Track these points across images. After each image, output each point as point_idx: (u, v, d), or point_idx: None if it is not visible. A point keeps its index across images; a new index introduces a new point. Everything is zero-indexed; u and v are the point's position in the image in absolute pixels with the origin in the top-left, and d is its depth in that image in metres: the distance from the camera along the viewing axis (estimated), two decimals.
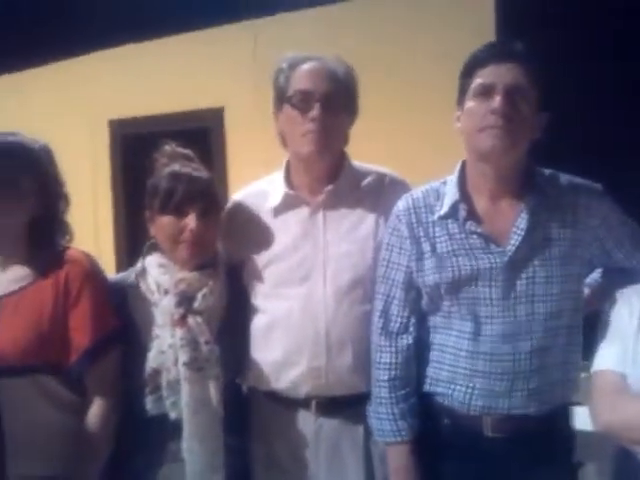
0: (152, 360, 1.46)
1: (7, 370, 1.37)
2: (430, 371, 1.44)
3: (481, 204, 1.39)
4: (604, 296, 1.45)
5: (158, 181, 1.50)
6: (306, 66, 1.52)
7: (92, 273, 1.46)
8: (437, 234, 1.40)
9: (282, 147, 1.60)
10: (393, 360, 1.44)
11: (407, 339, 1.45)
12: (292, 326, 1.51)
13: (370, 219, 1.55)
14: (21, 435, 1.38)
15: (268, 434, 1.56)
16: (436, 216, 1.41)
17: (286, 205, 1.56)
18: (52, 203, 1.48)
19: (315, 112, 1.47)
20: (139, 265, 1.55)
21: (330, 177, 1.56)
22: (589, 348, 1.39)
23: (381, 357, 1.45)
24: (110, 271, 1.58)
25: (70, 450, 1.41)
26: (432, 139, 2.57)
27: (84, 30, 3.77)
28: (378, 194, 1.57)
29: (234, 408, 1.51)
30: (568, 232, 1.36)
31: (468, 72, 1.35)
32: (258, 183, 1.66)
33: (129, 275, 1.56)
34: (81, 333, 1.42)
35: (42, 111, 3.92)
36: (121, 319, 1.48)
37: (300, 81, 1.51)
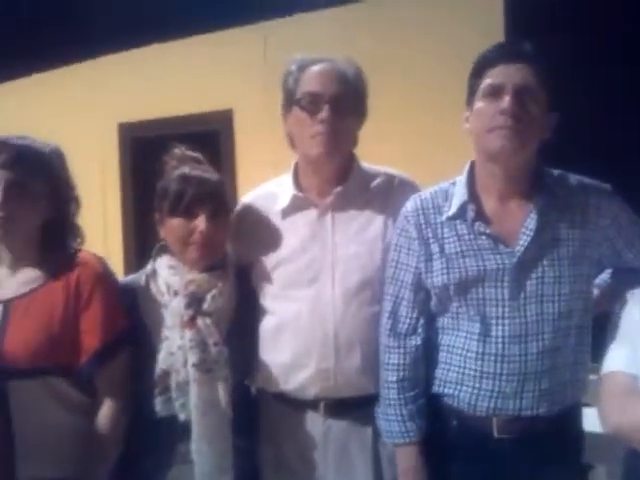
0: (161, 361, 1.46)
1: (18, 372, 1.37)
2: (438, 372, 1.44)
3: (490, 205, 1.39)
4: (614, 297, 1.44)
5: (168, 184, 1.51)
6: (315, 68, 1.52)
7: (103, 275, 1.47)
8: (445, 235, 1.40)
9: (291, 149, 1.60)
10: (402, 361, 1.44)
11: (416, 340, 1.44)
12: (301, 328, 1.51)
13: (379, 220, 1.55)
14: (31, 437, 1.39)
15: (277, 435, 1.56)
16: (444, 217, 1.41)
17: (294, 207, 1.57)
18: (63, 206, 1.49)
19: (324, 114, 1.47)
20: (149, 267, 1.56)
21: (339, 179, 1.56)
22: (598, 350, 1.38)
23: (390, 358, 1.45)
24: (118, 273, 1.59)
25: (80, 452, 1.42)
26: (443, 140, 2.56)
27: (94, 34, 3.79)
28: (387, 195, 1.57)
29: (243, 409, 1.51)
30: (577, 232, 1.36)
31: (477, 72, 1.35)
32: (267, 185, 1.67)
33: (139, 277, 1.57)
34: (92, 335, 1.42)
35: (52, 114, 3.95)
36: (131, 321, 1.49)
37: (309, 83, 1.51)
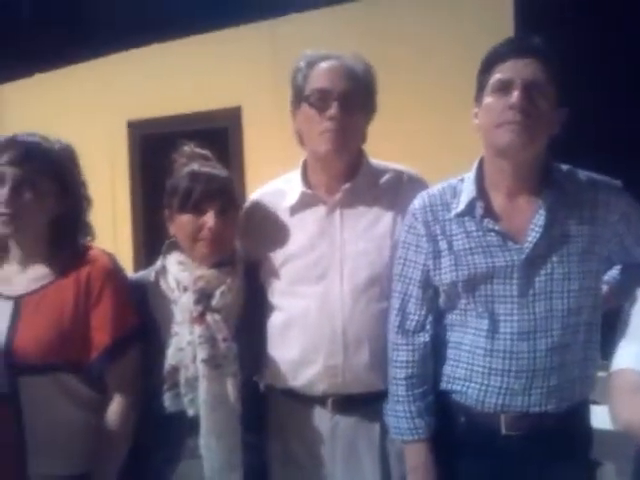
0: (171, 357, 1.47)
1: (28, 368, 1.38)
2: (447, 369, 1.44)
3: (498, 201, 1.39)
4: (623, 293, 1.43)
5: (177, 181, 1.52)
6: (324, 64, 1.52)
7: (114, 272, 1.48)
8: (454, 232, 1.40)
9: (299, 146, 1.60)
10: (410, 358, 1.44)
11: (424, 337, 1.44)
12: (309, 324, 1.52)
13: (387, 217, 1.55)
14: (42, 433, 1.40)
15: (285, 431, 1.57)
16: (453, 214, 1.40)
17: (303, 204, 1.57)
18: (73, 203, 1.49)
19: (333, 111, 1.47)
20: (159, 263, 1.57)
21: (347, 175, 1.56)
22: (608, 346, 1.38)
23: (398, 355, 1.45)
24: (128, 270, 1.60)
25: (90, 448, 1.43)
26: (451, 139, 2.55)
27: (102, 32, 3.81)
28: (396, 192, 1.57)
29: (251, 405, 1.51)
30: (586, 228, 1.35)
31: (486, 68, 1.35)
32: (275, 182, 1.67)
33: (149, 273, 1.58)
34: (102, 331, 1.43)
35: (62, 112, 3.97)
36: (141, 317, 1.50)
37: (318, 80, 1.51)
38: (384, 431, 1.51)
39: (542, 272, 1.34)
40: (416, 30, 2.87)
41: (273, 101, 2.97)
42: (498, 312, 1.36)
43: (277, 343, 1.56)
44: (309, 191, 1.57)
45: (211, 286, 1.50)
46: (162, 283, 1.54)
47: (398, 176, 1.60)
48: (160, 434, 1.49)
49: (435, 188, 1.47)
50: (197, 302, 1.48)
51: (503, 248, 1.36)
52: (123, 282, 1.50)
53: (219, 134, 3.36)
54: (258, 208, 1.63)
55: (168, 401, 1.47)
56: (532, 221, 1.35)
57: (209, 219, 1.47)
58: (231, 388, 1.46)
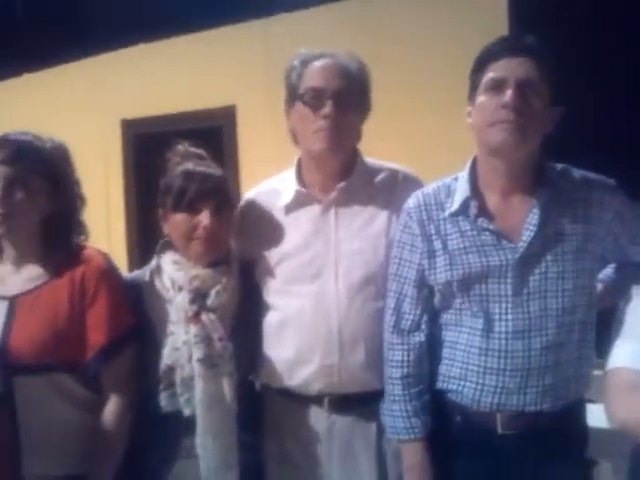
0: (166, 357, 1.47)
1: (23, 369, 1.38)
2: (442, 368, 1.44)
3: (492, 200, 1.39)
4: (617, 292, 1.44)
5: (171, 180, 1.51)
6: (318, 63, 1.51)
7: (108, 272, 1.47)
8: (448, 231, 1.40)
9: (294, 145, 1.60)
10: (405, 358, 1.44)
11: (419, 336, 1.44)
12: (304, 324, 1.52)
13: (382, 216, 1.55)
14: (37, 433, 1.39)
15: (281, 431, 1.57)
16: (447, 213, 1.41)
17: (298, 203, 1.57)
18: (66, 202, 1.48)
19: (327, 109, 1.47)
20: (154, 263, 1.57)
21: (342, 174, 1.55)
22: (602, 345, 1.38)
23: (393, 355, 1.45)
24: (122, 269, 1.59)
25: (86, 448, 1.43)
26: (446, 138, 2.56)
27: (96, 31, 3.80)
28: (391, 191, 1.57)
29: (247, 405, 1.51)
30: (580, 227, 1.36)
31: (479, 67, 1.35)
32: (270, 181, 1.67)
33: (144, 273, 1.57)
34: (97, 331, 1.43)
35: (55, 111, 3.95)
36: (136, 317, 1.49)
37: (312, 78, 1.51)
38: (380, 430, 1.51)
39: (536, 271, 1.35)
40: (410, 29, 2.87)
41: (267, 100, 2.96)
42: (493, 311, 1.36)
43: (272, 342, 1.56)
44: (304, 190, 1.57)
45: (206, 285, 1.50)
46: (157, 282, 1.54)
47: (393, 175, 1.60)
48: (156, 434, 1.49)
49: (429, 187, 1.47)
50: (192, 301, 1.48)
51: (497, 247, 1.36)
52: (118, 281, 1.50)
53: (213, 133, 3.36)
54: (253, 207, 1.62)
55: (164, 401, 1.47)
56: (526, 220, 1.35)
57: (204, 218, 1.47)
58: (227, 388, 1.45)
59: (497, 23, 2.54)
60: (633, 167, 1.94)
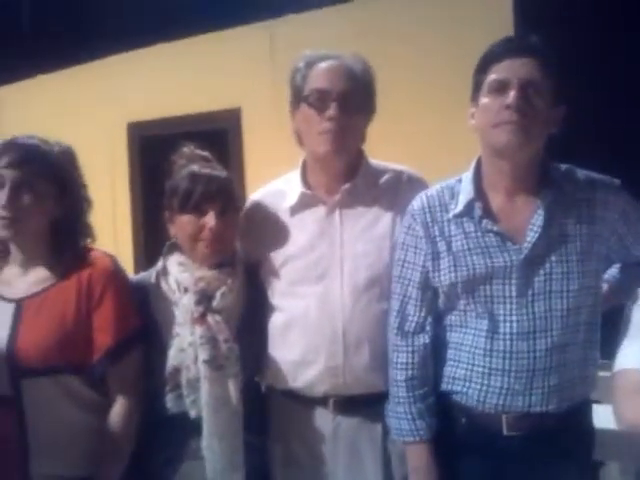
0: (172, 358, 1.47)
1: (30, 371, 1.39)
2: (447, 370, 1.44)
3: (497, 201, 1.38)
4: (623, 292, 1.44)
5: (177, 182, 1.52)
6: (323, 65, 1.52)
7: (115, 274, 1.48)
8: (453, 233, 1.40)
9: (299, 146, 1.60)
10: (410, 360, 1.44)
11: (424, 338, 1.44)
12: (309, 325, 1.52)
13: (387, 217, 1.55)
14: (45, 435, 1.40)
15: (286, 432, 1.57)
16: (451, 214, 1.40)
17: (303, 204, 1.57)
18: (73, 205, 1.49)
19: (332, 111, 1.47)
20: (160, 264, 1.57)
21: (347, 176, 1.56)
22: (608, 346, 1.38)
23: (398, 357, 1.45)
24: (128, 271, 1.60)
25: (93, 449, 1.43)
26: (448, 139, 2.55)
27: (101, 34, 3.82)
28: (396, 192, 1.57)
29: (253, 406, 1.52)
30: (585, 228, 1.35)
31: (482, 68, 1.35)
32: (275, 183, 1.67)
33: (150, 275, 1.58)
34: (104, 333, 1.43)
35: (61, 114, 3.98)
36: (142, 318, 1.50)
37: (317, 80, 1.51)
38: (386, 432, 1.51)
39: (541, 272, 1.34)
40: (414, 30, 2.87)
41: (272, 102, 2.97)
42: (497, 312, 1.36)
43: (277, 344, 1.56)
44: (309, 191, 1.57)
45: (212, 287, 1.50)
46: (163, 284, 1.54)
47: (398, 176, 1.60)
48: (162, 435, 1.50)
49: (433, 189, 1.47)
50: (198, 303, 1.48)
51: (502, 248, 1.36)
52: (125, 283, 1.50)
53: (218, 135, 3.36)
54: (258, 209, 1.63)
55: (170, 402, 1.47)
56: (530, 221, 1.35)
57: (210, 219, 1.48)
58: (233, 389, 1.46)
59: (502, 24, 2.54)
60: (637, 167, 1.93)
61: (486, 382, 1.37)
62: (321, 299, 1.51)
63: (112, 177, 3.96)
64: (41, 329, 1.41)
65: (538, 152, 1.36)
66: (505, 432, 1.36)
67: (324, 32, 2.93)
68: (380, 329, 1.49)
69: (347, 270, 1.51)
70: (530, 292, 1.34)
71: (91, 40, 3.84)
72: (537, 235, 1.34)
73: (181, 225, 1.51)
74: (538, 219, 1.34)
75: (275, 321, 1.57)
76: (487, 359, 1.37)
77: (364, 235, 1.54)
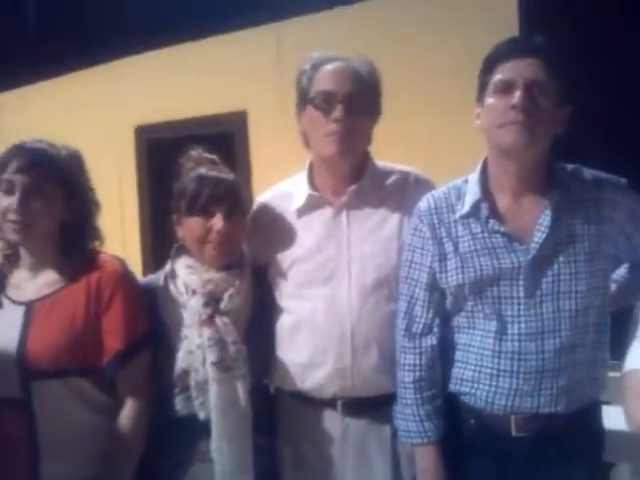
0: (181, 360, 1.48)
1: (41, 373, 1.39)
2: (455, 371, 1.43)
3: (503, 202, 1.38)
4: (631, 292, 1.43)
5: (185, 184, 1.52)
6: (329, 67, 1.52)
7: (124, 277, 1.49)
8: (459, 234, 1.40)
9: (305, 148, 1.60)
10: (417, 361, 1.44)
11: (431, 340, 1.44)
12: (317, 327, 1.52)
13: (394, 218, 1.55)
14: (54, 436, 1.41)
15: (295, 434, 1.57)
16: (458, 215, 1.40)
17: (309, 206, 1.57)
18: (81, 208, 1.50)
19: (338, 113, 1.47)
20: (168, 267, 1.58)
21: (354, 177, 1.56)
22: (617, 347, 1.37)
23: (405, 358, 1.45)
24: (136, 274, 1.60)
25: (103, 450, 1.44)
26: (454, 140, 2.55)
27: (108, 37, 3.83)
28: (402, 193, 1.57)
29: (262, 408, 1.52)
30: (593, 228, 1.35)
31: (488, 68, 1.35)
32: (282, 185, 1.67)
33: (158, 277, 1.59)
34: (114, 336, 1.44)
35: (69, 118, 4.00)
36: (151, 321, 1.50)
37: (323, 82, 1.51)
38: (395, 433, 1.51)
39: (549, 273, 1.34)
40: (421, 32, 2.87)
41: (278, 104, 2.97)
42: (505, 313, 1.36)
43: (286, 345, 1.56)
44: (315, 193, 1.57)
45: (220, 289, 1.51)
46: (171, 287, 1.55)
47: (404, 177, 1.60)
48: (171, 437, 1.50)
49: (440, 190, 1.47)
50: (206, 305, 1.49)
51: (509, 249, 1.35)
52: (134, 286, 1.51)
53: (225, 138, 3.37)
54: (265, 211, 1.63)
55: (179, 404, 1.48)
56: (538, 222, 1.34)
57: (217, 221, 1.48)
58: (241, 391, 1.46)
59: (507, 24, 2.53)
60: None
61: (494, 383, 1.37)
62: (329, 301, 1.51)
63: (120, 180, 3.97)
64: (51, 331, 1.41)
65: (544, 152, 1.36)
66: (514, 433, 1.36)
67: (330, 34, 2.94)
68: (388, 330, 1.49)
69: (354, 271, 1.52)
70: (538, 293, 1.34)
71: (98, 44, 3.85)
72: (544, 235, 1.33)
73: (189, 227, 1.52)
74: (545, 219, 1.34)
75: (283, 323, 1.57)
76: (495, 360, 1.36)
77: (371, 236, 1.54)
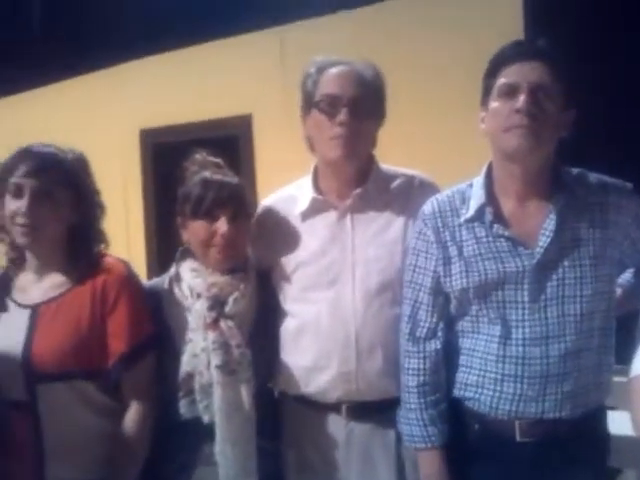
0: (185, 364, 1.48)
1: (46, 376, 1.40)
2: (459, 376, 1.43)
3: (508, 206, 1.38)
4: (637, 296, 1.42)
5: (189, 188, 1.53)
6: (334, 70, 1.52)
7: (129, 280, 1.49)
8: (464, 238, 1.40)
9: (310, 152, 1.61)
10: (421, 366, 1.43)
11: (435, 344, 1.44)
12: (321, 330, 1.52)
13: (399, 222, 1.54)
14: (60, 439, 1.41)
15: (299, 438, 1.57)
16: (462, 219, 1.40)
17: (314, 210, 1.57)
18: (87, 212, 1.50)
19: (342, 117, 1.48)
20: (173, 270, 1.58)
21: (358, 181, 1.56)
22: (623, 351, 1.36)
23: (409, 363, 1.44)
24: (141, 277, 1.61)
25: (107, 454, 1.44)
26: (459, 143, 2.55)
27: (114, 41, 3.85)
28: (407, 196, 1.57)
29: (266, 412, 1.52)
30: (598, 232, 1.34)
31: (492, 72, 1.35)
32: (287, 188, 1.68)
33: (163, 281, 1.59)
34: (118, 339, 1.44)
35: (74, 121, 4.01)
36: (156, 324, 1.51)
37: (328, 85, 1.51)
38: (399, 438, 1.50)
39: (553, 277, 1.33)
40: (424, 33, 2.87)
41: (283, 108, 2.98)
42: (510, 318, 1.35)
43: (290, 349, 1.56)
44: (320, 197, 1.57)
45: (224, 293, 1.51)
46: (176, 290, 1.55)
47: (409, 181, 1.60)
48: (176, 441, 1.50)
49: (444, 194, 1.47)
50: (210, 308, 1.49)
51: (513, 253, 1.35)
52: (138, 290, 1.51)
53: (230, 141, 3.38)
54: (270, 215, 1.63)
55: (183, 408, 1.48)
56: (542, 226, 1.34)
57: (221, 225, 1.48)
58: (245, 394, 1.46)
59: (512, 25, 2.53)
60: None
61: (499, 388, 1.36)
62: (333, 304, 1.51)
63: (125, 184, 3.99)
64: (56, 334, 1.42)
65: (549, 156, 1.36)
66: (518, 438, 1.35)
67: (334, 38, 2.94)
68: (393, 334, 1.49)
69: (359, 275, 1.51)
70: (543, 297, 1.34)
71: (103, 47, 3.87)
72: (549, 240, 1.33)
73: (193, 231, 1.52)
74: (550, 223, 1.33)
75: (287, 327, 1.57)
76: (499, 365, 1.36)
77: (376, 240, 1.54)
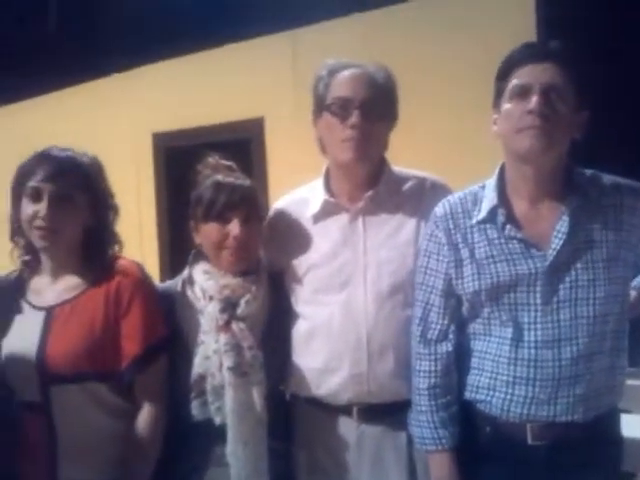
0: (198, 365, 1.48)
1: (59, 378, 1.41)
2: (470, 378, 1.42)
3: (520, 208, 1.37)
4: None
5: (202, 191, 1.54)
6: (345, 73, 1.52)
7: (143, 282, 1.50)
8: (476, 240, 1.39)
9: (321, 154, 1.61)
10: (432, 368, 1.43)
11: (446, 346, 1.43)
12: (333, 332, 1.52)
13: (411, 224, 1.54)
14: (73, 440, 1.43)
15: (311, 440, 1.57)
16: (474, 221, 1.39)
17: (325, 212, 1.58)
18: (102, 214, 1.52)
19: (354, 119, 1.48)
20: (186, 273, 1.59)
21: (370, 183, 1.56)
22: (638, 354, 1.35)
23: (420, 365, 1.44)
24: (154, 280, 1.62)
25: (120, 455, 1.45)
26: (471, 145, 2.54)
27: (127, 45, 3.88)
28: (419, 199, 1.57)
29: (278, 413, 1.52)
30: (611, 234, 1.33)
31: (504, 74, 1.34)
32: (299, 191, 1.68)
33: (176, 283, 1.60)
34: (132, 341, 1.45)
35: (87, 125, 4.04)
36: (169, 326, 1.51)
37: (339, 88, 1.52)
38: (411, 440, 1.50)
39: (566, 279, 1.33)
40: (436, 36, 2.86)
41: (295, 111, 2.99)
42: (522, 320, 1.34)
43: (301, 351, 1.56)
44: (332, 199, 1.58)
45: (236, 295, 1.51)
46: (189, 293, 1.56)
47: (421, 183, 1.60)
48: (188, 442, 1.51)
49: (456, 195, 1.46)
50: (223, 311, 1.49)
51: (526, 255, 1.34)
52: (152, 292, 1.52)
53: (242, 145, 3.39)
54: (281, 217, 1.64)
55: (195, 409, 1.48)
56: (555, 227, 1.33)
57: (234, 227, 1.49)
58: (257, 396, 1.46)
59: (525, 28, 2.52)
60: None
61: (510, 391, 1.35)
62: (345, 307, 1.51)
63: (138, 187, 4.01)
64: (70, 337, 1.43)
65: (562, 157, 1.35)
66: (530, 441, 1.34)
67: (346, 40, 2.95)
68: (404, 336, 1.48)
69: (370, 277, 1.51)
70: (555, 299, 1.33)
71: (116, 51, 3.90)
72: (562, 242, 1.32)
73: (206, 234, 1.53)
74: (563, 225, 1.33)
75: (299, 329, 1.57)
76: (511, 368, 1.35)
77: (387, 242, 1.54)
